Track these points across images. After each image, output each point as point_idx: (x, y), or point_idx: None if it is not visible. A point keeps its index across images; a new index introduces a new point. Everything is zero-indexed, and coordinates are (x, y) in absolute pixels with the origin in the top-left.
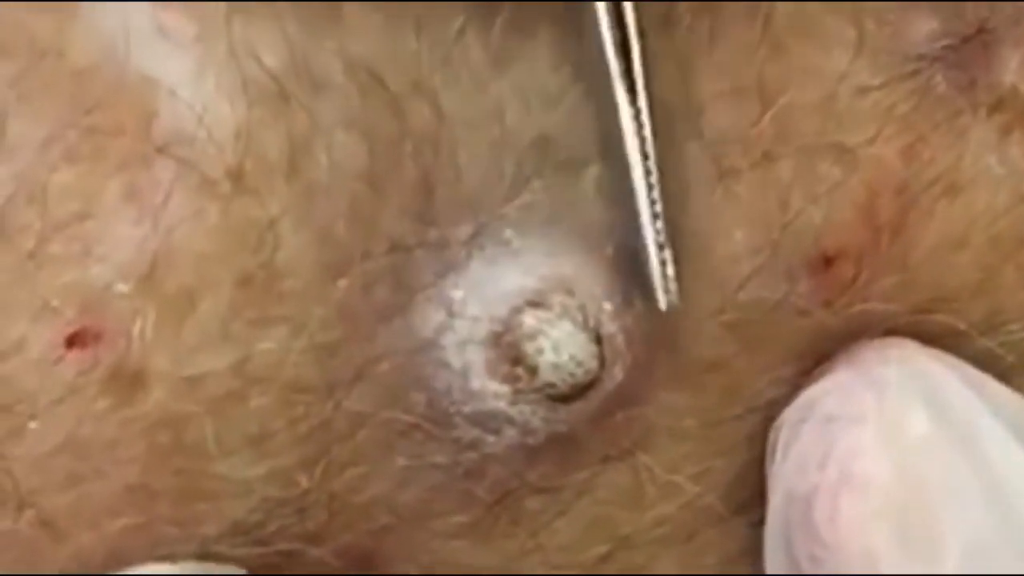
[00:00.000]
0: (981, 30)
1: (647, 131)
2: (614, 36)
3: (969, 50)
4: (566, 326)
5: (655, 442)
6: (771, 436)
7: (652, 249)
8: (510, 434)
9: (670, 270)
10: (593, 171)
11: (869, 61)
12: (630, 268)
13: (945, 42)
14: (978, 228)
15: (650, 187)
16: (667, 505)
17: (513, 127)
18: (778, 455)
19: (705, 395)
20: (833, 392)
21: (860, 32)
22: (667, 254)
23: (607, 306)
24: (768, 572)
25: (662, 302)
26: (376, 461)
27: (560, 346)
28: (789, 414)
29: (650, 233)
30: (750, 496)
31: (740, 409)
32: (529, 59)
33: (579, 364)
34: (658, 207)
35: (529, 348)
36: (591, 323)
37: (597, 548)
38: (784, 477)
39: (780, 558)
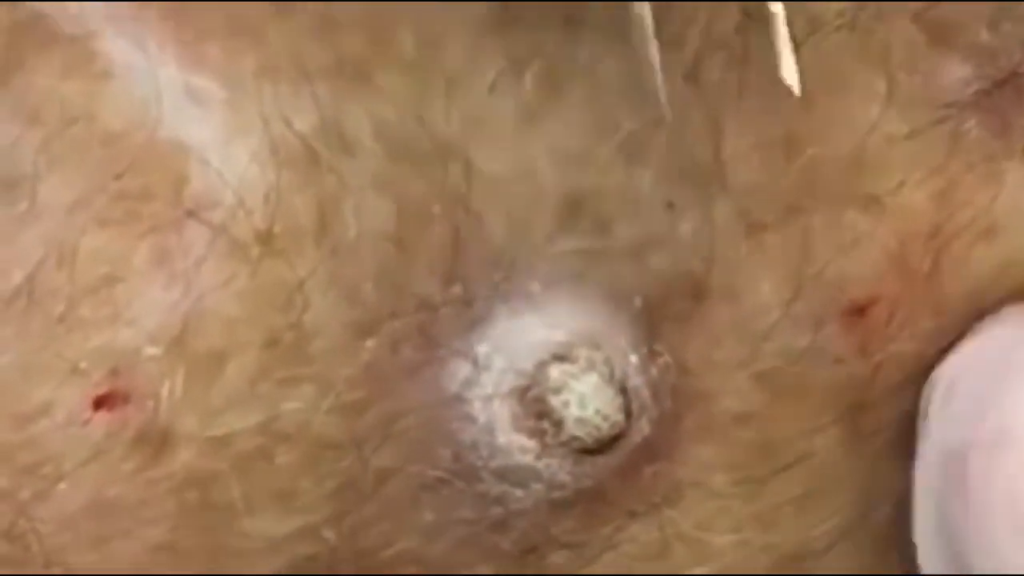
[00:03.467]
0: (1014, 74)
1: None
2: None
3: (1002, 94)
4: (592, 379)
5: (683, 497)
6: (924, 393)
7: None
8: (536, 488)
9: None
10: (621, 226)
11: (899, 111)
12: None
13: (977, 87)
14: (1019, 270)
15: None
16: (698, 565)
17: (544, 185)
18: (931, 412)
19: (735, 450)
20: (992, 348)
21: (890, 82)
22: None
23: (633, 359)
24: (918, 535)
25: None
26: (403, 516)
27: (586, 400)
28: (945, 371)
29: None
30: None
31: (776, 465)
32: (560, 116)
33: (605, 418)
34: None
35: (555, 402)
36: (617, 375)
37: None
38: (939, 432)
39: (930, 521)
